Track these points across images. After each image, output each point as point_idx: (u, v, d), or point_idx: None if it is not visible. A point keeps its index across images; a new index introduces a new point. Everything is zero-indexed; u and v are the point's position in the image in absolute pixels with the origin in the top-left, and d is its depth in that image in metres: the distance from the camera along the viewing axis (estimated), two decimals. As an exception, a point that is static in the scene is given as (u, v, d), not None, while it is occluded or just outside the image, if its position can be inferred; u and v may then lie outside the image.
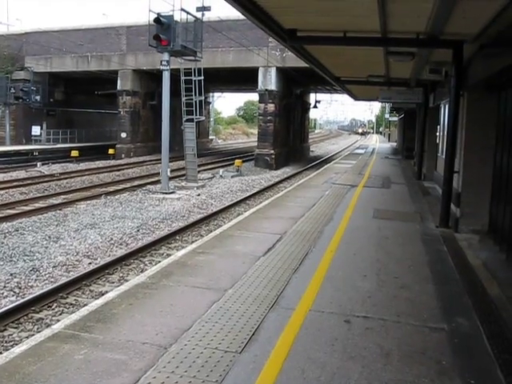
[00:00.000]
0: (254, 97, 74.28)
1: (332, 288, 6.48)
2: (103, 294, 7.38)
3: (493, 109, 10.08)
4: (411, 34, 10.09)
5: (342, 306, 5.81)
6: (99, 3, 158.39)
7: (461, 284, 6.91)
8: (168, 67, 21.29)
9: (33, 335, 6.01)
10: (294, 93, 39.72)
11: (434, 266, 7.79)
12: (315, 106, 49.07)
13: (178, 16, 21.89)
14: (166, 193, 20.61)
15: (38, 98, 39.50)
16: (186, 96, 23.73)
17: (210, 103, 58.19)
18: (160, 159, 22.90)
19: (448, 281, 7.06)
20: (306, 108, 47.87)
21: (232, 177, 27.07)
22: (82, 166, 30.81)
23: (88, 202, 18.25)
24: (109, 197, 19.42)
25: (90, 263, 10.60)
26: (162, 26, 20.96)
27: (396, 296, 6.26)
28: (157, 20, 20.83)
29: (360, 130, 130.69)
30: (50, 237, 12.46)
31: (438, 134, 18.70)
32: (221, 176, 27.19)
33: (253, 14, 8.95)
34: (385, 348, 4.78)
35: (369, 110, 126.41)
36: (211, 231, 12.37)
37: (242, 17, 9.91)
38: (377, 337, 5.02)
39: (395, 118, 56.93)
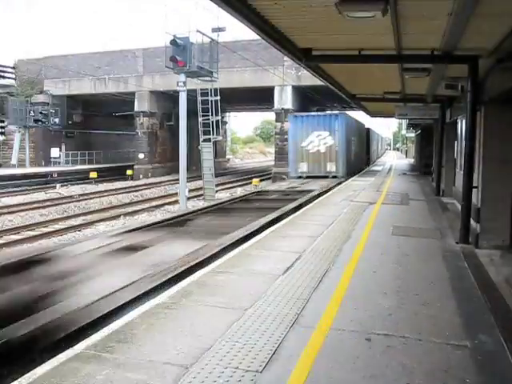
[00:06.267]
0: (270, 116, 74.57)
1: (352, 306, 6.44)
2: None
3: (510, 123, 10.03)
4: (426, 50, 10.11)
5: (362, 324, 5.77)
6: (113, 27, 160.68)
7: (483, 300, 6.82)
8: (185, 88, 21.56)
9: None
10: (310, 111, 39.82)
11: (454, 282, 7.71)
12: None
13: (194, 37, 22.18)
14: (185, 213, 20.65)
15: (56, 120, 40.14)
16: (202, 116, 23.96)
17: (226, 123, 58.56)
18: (178, 179, 23.05)
19: (470, 297, 6.99)
20: (322, 126, 47.82)
21: (249, 196, 27.05)
22: (101, 187, 31.12)
23: (107, 222, 18.40)
24: (127, 217, 19.55)
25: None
26: (178, 48, 21.27)
27: (417, 313, 6.21)
28: (173, 42, 21.17)
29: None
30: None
31: (455, 149, 18.60)
32: (238, 195, 27.22)
33: (268, 34, 9.03)
34: (407, 366, 4.73)
35: (385, 126, 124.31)
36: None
37: (256, 37, 10.01)
38: (398, 355, 4.97)
39: (412, 134, 56.65)
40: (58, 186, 30.80)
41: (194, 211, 18.10)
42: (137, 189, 30.40)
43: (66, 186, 31.22)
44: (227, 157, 60.63)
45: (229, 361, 4.75)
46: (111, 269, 9.18)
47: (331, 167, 30.06)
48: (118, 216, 19.77)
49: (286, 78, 32.41)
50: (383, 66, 12.20)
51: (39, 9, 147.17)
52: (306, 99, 36.29)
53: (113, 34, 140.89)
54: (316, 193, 21.71)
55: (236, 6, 7.35)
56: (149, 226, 14.25)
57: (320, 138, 29.85)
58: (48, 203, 23.51)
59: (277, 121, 34.50)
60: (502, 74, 9.44)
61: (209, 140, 23.85)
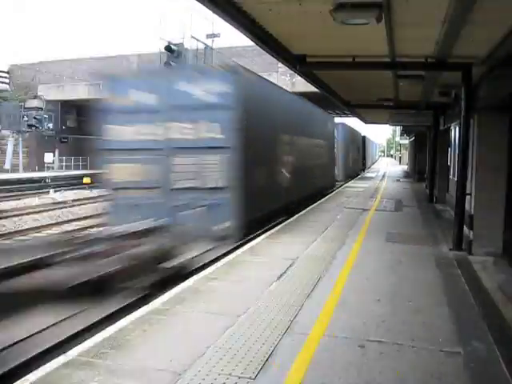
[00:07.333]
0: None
1: (346, 313, 6.44)
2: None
3: (504, 130, 10.07)
4: (420, 57, 10.15)
5: (356, 331, 5.76)
6: (110, 30, 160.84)
7: (476, 307, 6.83)
8: (179, 94, 21.53)
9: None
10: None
11: (448, 289, 7.72)
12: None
13: (189, 43, 22.23)
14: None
15: (50, 125, 40.06)
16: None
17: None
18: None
19: (463, 304, 6.99)
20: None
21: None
22: (95, 192, 30.97)
23: (101, 229, 18.30)
24: (121, 223, 19.47)
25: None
26: (173, 54, 21.28)
27: (410, 320, 6.20)
28: (168, 48, 21.17)
29: None
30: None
31: (449, 156, 18.66)
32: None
33: (263, 40, 9.06)
34: (400, 373, 4.72)
35: (379, 133, 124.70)
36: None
37: (251, 43, 10.03)
38: (392, 362, 4.97)
39: (406, 141, 56.87)
40: (51, 191, 30.68)
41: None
42: (131, 194, 30.27)
43: (60, 191, 31.10)
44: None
45: (222, 367, 4.74)
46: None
47: None
48: (112, 221, 19.69)
49: (279, 84, 32.39)
50: (377, 72, 12.24)
51: (32, 12, 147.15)
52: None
53: (110, 37, 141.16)
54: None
55: (231, 13, 7.37)
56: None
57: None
58: (41, 208, 23.39)
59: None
60: (495, 81, 9.50)
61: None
